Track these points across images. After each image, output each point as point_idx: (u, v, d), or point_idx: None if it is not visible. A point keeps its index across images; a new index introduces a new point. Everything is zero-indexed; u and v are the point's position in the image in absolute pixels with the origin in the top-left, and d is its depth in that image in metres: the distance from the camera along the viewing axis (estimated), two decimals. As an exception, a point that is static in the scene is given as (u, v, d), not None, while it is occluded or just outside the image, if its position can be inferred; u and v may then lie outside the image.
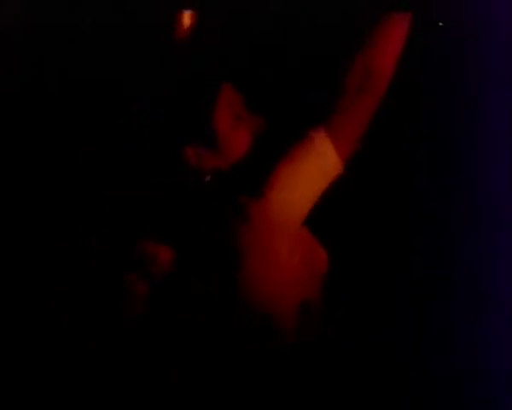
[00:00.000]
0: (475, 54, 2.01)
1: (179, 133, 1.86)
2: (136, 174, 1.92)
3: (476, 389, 1.95)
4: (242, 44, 2.03)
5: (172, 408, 1.84)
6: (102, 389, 1.84)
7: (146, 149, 1.90)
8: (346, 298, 1.98)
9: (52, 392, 1.86)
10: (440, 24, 1.98)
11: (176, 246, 1.85)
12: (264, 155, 1.87)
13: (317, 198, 1.86)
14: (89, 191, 1.93)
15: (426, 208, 2.05)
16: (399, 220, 2.07)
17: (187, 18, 1.99)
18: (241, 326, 1.82)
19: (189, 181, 1.87)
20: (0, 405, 1.87)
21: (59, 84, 2.03)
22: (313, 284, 1.91)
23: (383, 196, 2.08)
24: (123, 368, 1.84)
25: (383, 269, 2.04)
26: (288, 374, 1.84)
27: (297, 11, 2.04)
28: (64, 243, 1.90)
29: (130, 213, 1.90)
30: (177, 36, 1.99)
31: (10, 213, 1.95)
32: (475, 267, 1.99)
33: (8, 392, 1.87)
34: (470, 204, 2.01)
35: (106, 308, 1.86)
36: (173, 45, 1.99)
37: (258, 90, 1.95)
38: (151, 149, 1.89)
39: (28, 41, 2.05)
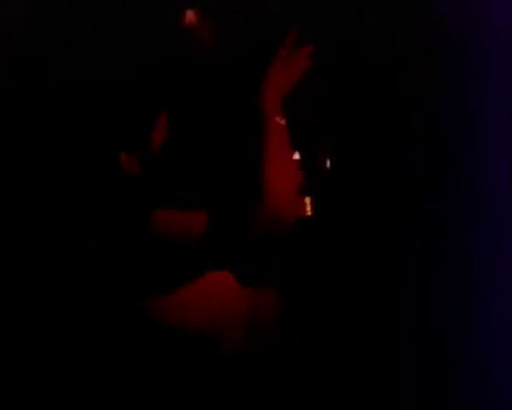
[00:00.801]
0: (475, 54, 2.01)
1: (118, 139, 1.90)
2: (135, 174, 1.92)
3: (476, 389, 1.95)
4: (242, 44, 2.03)
5: (172, 408, 1.85)
6: (102, 389, 1.84)
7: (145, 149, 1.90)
8: (345, 298, 1.99)
9: (52, 392, 1.86)
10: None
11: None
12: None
13: None
14: (89, 191, 1.93)
15: (426, 209, 2.05)
16: (399, 220, 2.07)
17: (190, 16, 2.00)
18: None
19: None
20: (0, 405, 1.87)
21: (59, 85, 2.03)
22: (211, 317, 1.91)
23: (383, 196, 2.08)
24: (123, 368, 1.84)
25: (383, 269, 2.04)
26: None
27: (297, 11, 2.04)
28: (64, 243, 1.91)
29: (130, 213, 1.90)
30: (177, 36, 1.99)
31: (10, 213, 1.95)
32: (475, 267, 1.99)
33: (8, 392, 1.87)
34: (470, 204, 2.01)
35: (106, 308, 1.87)
36: (172, 46, 2.00)
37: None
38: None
39: (28, 41, 2.05)
